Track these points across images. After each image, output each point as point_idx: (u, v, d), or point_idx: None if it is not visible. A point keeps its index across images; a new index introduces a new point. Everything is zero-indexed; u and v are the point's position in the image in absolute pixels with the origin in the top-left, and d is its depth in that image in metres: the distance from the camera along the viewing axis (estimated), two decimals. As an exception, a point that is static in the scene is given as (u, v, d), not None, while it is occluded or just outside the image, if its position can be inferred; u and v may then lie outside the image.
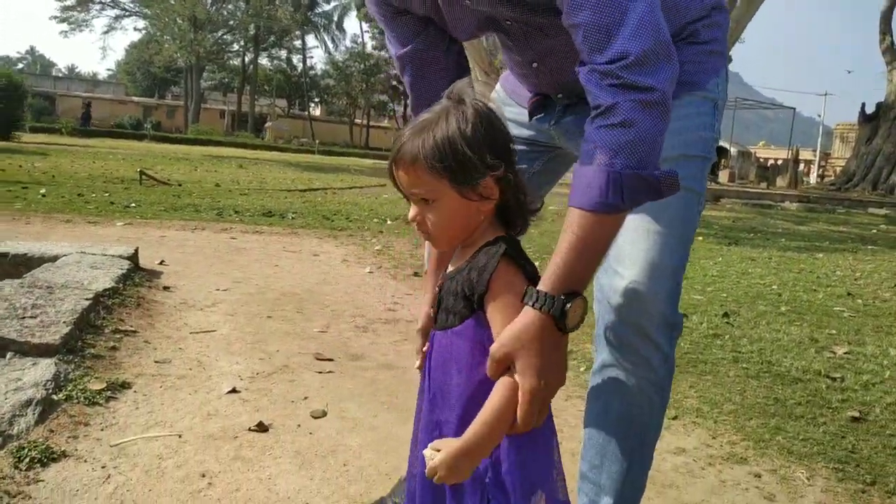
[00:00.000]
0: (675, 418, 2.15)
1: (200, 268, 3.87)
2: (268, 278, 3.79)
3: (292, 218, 6.49)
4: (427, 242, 1.22)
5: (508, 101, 1.42)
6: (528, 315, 0.87)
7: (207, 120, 44.22)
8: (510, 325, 0.87)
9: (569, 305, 0.87)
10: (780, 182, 22.43)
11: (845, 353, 3.05)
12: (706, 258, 5.74)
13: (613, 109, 0.90)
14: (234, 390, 2.06)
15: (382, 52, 48.49)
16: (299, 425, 1.87)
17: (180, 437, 1.72)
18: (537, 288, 0.89)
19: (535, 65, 1.22)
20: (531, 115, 1.34)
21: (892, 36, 21.84)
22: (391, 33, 1.27)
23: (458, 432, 0.88)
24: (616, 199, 0.90)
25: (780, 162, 27.47)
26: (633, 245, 1.13)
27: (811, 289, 4.70)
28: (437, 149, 0.88)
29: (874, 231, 10.42)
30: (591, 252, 0.92)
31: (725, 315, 3.62)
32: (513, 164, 0.93)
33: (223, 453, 1.66)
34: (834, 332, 3.47)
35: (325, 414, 1.97)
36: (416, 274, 4.28)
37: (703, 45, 1.19)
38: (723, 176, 21.61)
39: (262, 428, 1.81)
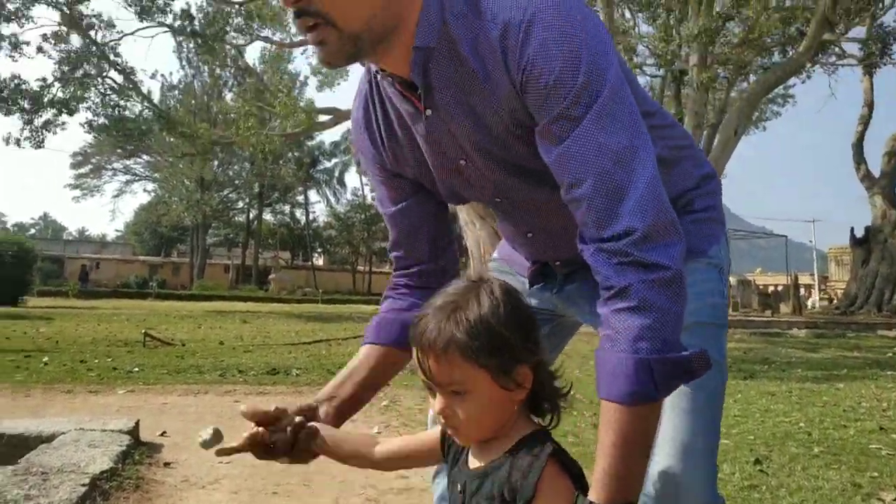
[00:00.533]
0: None
1: (203, 437, 3.71)
2: (273, 445, 3.61)
3: (297, 375, 6.36)
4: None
5: (506, 269, 1.40)
6: None
7: (212, 275, 45.13)
8: None
9: None
10: (784, 308, 22.40)
11: (894, 500, 2.83)
12: (726, 395, 5.54)
13: (627, 291, 0.86)
14: (238, 589, 1.87)
15: (382, 202, 50.58)
16: None
17: None
18: (588, 498, 0.81)
19: (529, 235, 1.22)
20: (531, 284, 1.32)
21: (866, 164, 22.95)
22: (384, 192, 1.26)
23: None
24: (647, 388, 0.84)
25: (780, 288, 27.64)
26: (663, 426, 1.06)
27: (840, 424, 4.49)
28: (473, 332, 0.81)
29: (889, 354, 10.21)
30: (636, 449, 0.84)
31: (757, 462, 3.41)
32: (542, 345, 0.88)
33: None
34: (876, 474, 3.25)
35: None
36: (427, 431, 4.10)
37: (699, 213, 1.20)
38: (725, 305, 21.59)
39: None
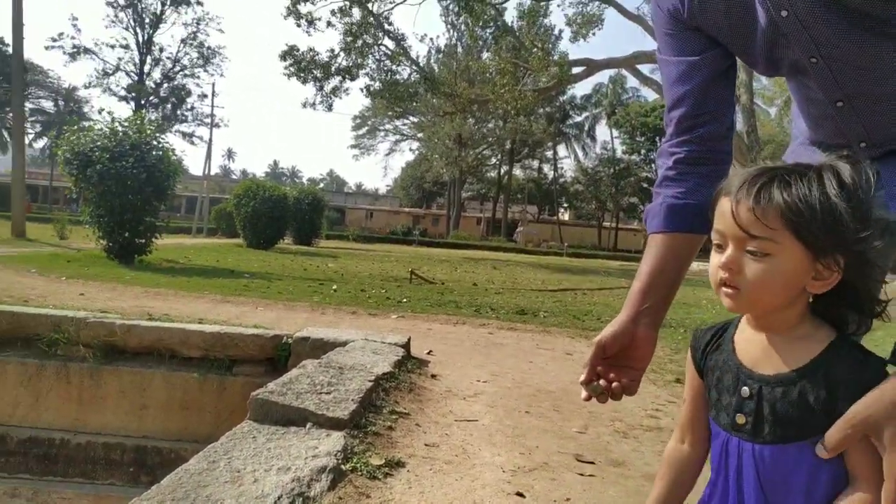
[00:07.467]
0: None
1: (462, 359, 4.08)
2: (523, 374, 3.83)
3: (544, 317, 6.57)
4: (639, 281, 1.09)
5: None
6: None
7: (466, 226, 48.37)
8: (877, 389, 0.73)
9: None
10: None
11: None
12: None
13: None
14: (497, 482, 2.07)
15: (633, 157, 48.68)
16: (563, 528, 1.78)
17: (448, 521, 1.76)
18: None
19: (839, 104, 1.05)
20: None
21: None
22: (677, 45, 1.16)
23: None
24: None
25: None
26: None
27: None
28: (807, 200, 0.76)
29: None
30: None
31: None
32: (873, 245, 0.77)
33: (489, 545, 1.64)
34: None
35: (589, 520, 1.85)
36: (677, 380, 3.96)
37: None
38: None
39: (526, 525, 1.76)
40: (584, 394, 1.03)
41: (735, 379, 0.87)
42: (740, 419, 0.85)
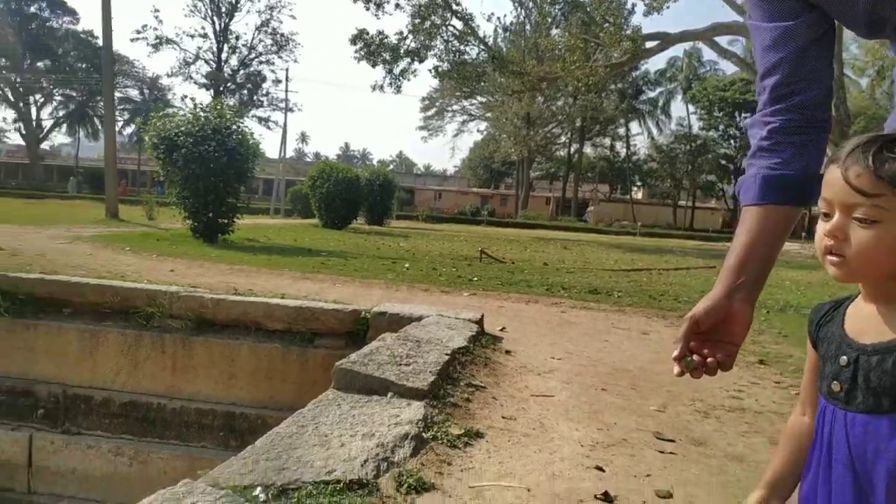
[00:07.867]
0: None
1: (535, 337, 4.08)
2: (598, 352, 3.79)
3: (618, 296, 6.45)
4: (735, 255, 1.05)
5: None
6: None
7: (534, 206, 47.90)
8: None
9: None
10: None
11: None
12: None
13: None
14: (575, 455, 2.08)
15: (710, 133, 46.69)
16: (644, 502, 1.78)
17: (529, 490, 1.79)
18: None
19: None
20: None
21: None
22: (767, 9, 1.12)
23: None
24: None
25: None
26: None
27: None
28: None
29: None
30: None
31: None
32: None
33: (570, 514, 1.66)
34: None
35: (670, 495, 1.84)
36: (760, 361, 3.83)
37: None
38: None
39: (607, 498, 1.77)
40: (676, 369, 1.01)
41: (837, 348, 0.85)
42: (835, 387, 0.84)
